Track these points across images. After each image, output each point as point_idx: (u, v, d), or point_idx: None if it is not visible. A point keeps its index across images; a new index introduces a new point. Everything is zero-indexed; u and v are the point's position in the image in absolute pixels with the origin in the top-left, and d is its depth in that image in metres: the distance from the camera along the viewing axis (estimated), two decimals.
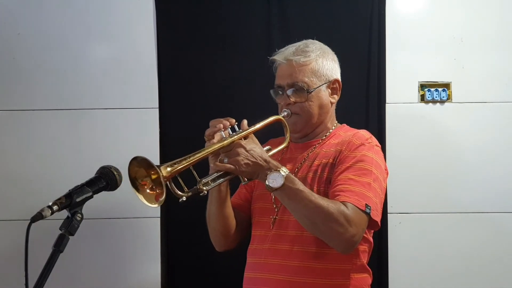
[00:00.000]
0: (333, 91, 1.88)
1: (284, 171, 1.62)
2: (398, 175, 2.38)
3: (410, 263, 2.45)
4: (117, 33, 2.50)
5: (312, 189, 1.70)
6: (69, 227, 1.40)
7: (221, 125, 1.67)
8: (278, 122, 1.81)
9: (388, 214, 2.43)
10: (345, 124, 1.94)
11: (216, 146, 1.63)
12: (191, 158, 1.58)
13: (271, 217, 1.80)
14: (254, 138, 1.70)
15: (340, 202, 1.62)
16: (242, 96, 2.46)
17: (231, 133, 1.68)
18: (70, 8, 2.49)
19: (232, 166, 1.62)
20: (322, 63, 1.84)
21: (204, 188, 1.63)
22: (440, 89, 2.48)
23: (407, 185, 2.45)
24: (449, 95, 2.49)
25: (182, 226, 2.48)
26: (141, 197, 1.55)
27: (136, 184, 1.54)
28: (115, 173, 1.50)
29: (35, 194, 2.40)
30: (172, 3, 2.52)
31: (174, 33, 2.51)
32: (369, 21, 2.50)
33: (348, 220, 1.59)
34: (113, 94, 2.49)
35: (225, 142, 1.64)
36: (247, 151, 1.63)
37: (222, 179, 1.68)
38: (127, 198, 2.37)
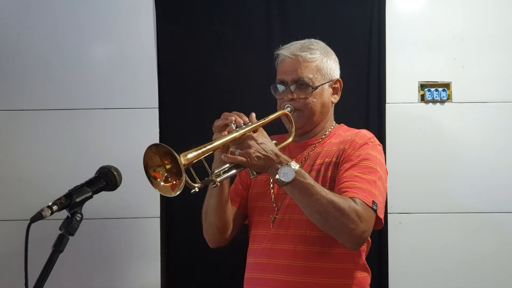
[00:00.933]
0: (334, 91, 1.88)
1: (294, 165, 1.61)
2: (398, 175, 2.38)
3: (410, 263, 2.45)
4: (117, 33, 2.50)
5: None
6: (69, 227, 1.40)
7: (233, 118, 1.66)
8: (278, 119, 1.81)
9: (388, 214, 2.43)
10: (343, 124, 1.94)
11: (228, 138, 1.62)
12: (207, 148, 1.56)
13: (271, 216, 1.80)
14: (264, 131, 1.69)
15: (349, 197, 1.62)
16: (242, 96, 2.46)
17: (240, 126, 1.66)
18: (70, 8, 2.49)
19: (243, 158, 1.61)
20: (327, 62, 1.85)
21: (217, 179, 1.61)
22: (440, 89, 2.48)
23: (407, 185, 2.45)
24: (449, 95, 2.49)
25: (182, 226, 2.49)
26: (155, 187, 1.52)
27: (148, 173, 1.52)
28: (115, 173, 1.51)
29: (35, 194, 2.40)
30: (172, 2, 2.52)
31: (174, 33, 2.51)
32: (369, 21, 2.50)
33: (359, 216, 1.59)
34: (113, 94, 2.49)
35: (237, 134, 1.62)
36: (258, 144, 1.62)
37: (232, 171, 1.66)
38: (127, 198, 2.40)
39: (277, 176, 1.61)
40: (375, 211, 1.64)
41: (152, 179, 1.52)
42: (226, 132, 1.65)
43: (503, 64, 2.49)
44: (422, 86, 2.49)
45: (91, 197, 1.46)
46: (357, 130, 1.85)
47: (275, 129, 1.84)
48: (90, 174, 1.51)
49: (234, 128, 1.65)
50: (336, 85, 1.88)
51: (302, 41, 1.88)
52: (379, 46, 2.49)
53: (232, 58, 2.51)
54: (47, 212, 1.36)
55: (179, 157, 1.46)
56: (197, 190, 1.55)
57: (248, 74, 2.50)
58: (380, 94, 2.49)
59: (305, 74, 1.81)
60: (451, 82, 2.49)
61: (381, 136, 2.41)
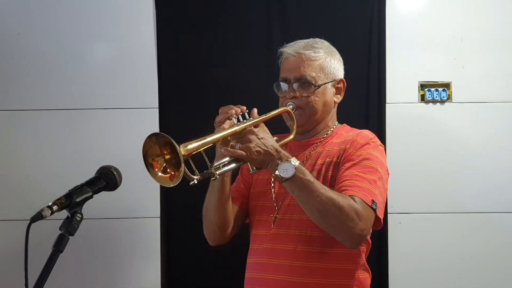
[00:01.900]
0: (338, 91, 1.88)
1: (294, 161, 1.61)
2: (398, 175, 2.38)
3: (410, 263, 2.45)
4: (117, 33, 2.50)
5: None
6: (69, 227, 1.40)
7: (233, 111, 1.66)
8: (279, 118, 1.81)
9: (388, 214, 2.43)
10: (345, 124, 1.94)
11: (229, 131, 1.62)
12: (207, 140, 1.56)
13: (271, 215, 1.79)
14: (265, 127, 1.69)
15: (348, 196, 1.61)
16: (242, 95, 2.45)
17: (241, 120, 1.66)
18: (70, 8, 2.49)
19: (243, 152, 1.60)
20: (330, 61, 1.85)
21: (216, 172, 1.61)
22: (440, 89, 2.48)
23: (407, 185, 2.45)
24: (449, 95, 2.49)
25: (182, 226, 2.49)
26: (153, 176, 1.52)
27: (146, 162, 1.52)
28: (115, 173, 1.50)
29: (35, 194, 2.40)
30: (172, 3, 2.52)
31: (174, 33, 2.51)
32: (369, 21, 2.50)
33: (358, 214, 1.59)
34: (113, 94, 2.49)
35: (238, 128, 1.62)
36: (259, 138, 1.62)
37: (232, 165, 1.66)
38: (127, 198, 2.40)
39: (276, 172, 1.60)
40: (374, 210, 1.64)
41: (149, 167, 1.52)
42: (225, 126, 1.65)
43: (503, 64, 2.49)
44: (422, 86, 2.49)
45: (91, 197, 1.46)
46: (359, 130, 1.85)
47: (277, 130, 1.84)
48: (90, 174, 1.51)
49: (236, 122, 1.65)
50: (339, 85, 1.88)
51: (307, 40, 1.88)
52: (379, 46, 2.49)
53: (232, 58, 2.51)
54: (47, 212, 1.36)
55: (179, 147, 1.46)
56: (195, 182, 1.54)
57: (248, 74, 2.50)
58: (380, 94, 2.49)
59: (308, 72, 1.81)
60: (451, 82, 2.49)
61: (381, 136, 2.41)
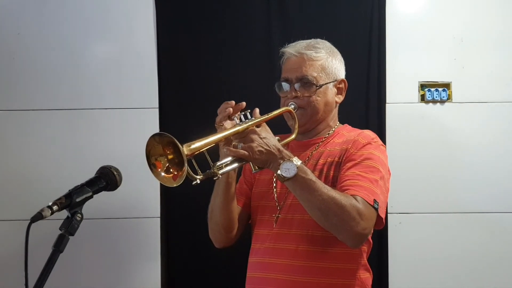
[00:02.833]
0: (339, 91, 1.89)
1: (296, 161, 1.62)
2: (398, 175, 2.37)
3: (410, 263, 2.45)
4: (117, 33, 2.50)
5: None
6: (69, 227, 1.40)
7: (230, 109, 1.67)
8: (280, 118, 1.82)
9: (388, 214, 2.42)
10: (347, 124, 1.94)
11: (231, 131, 1.62)
12: (209, 140, 1.56)
13: (273, 215, 1.80)
14: (267, 127, 1.69)
15: (350, 195, 1.62)
16: (242, 95, 2.42)
17: (243, 120, 1.67)
18: (70, 8, 2.49)
19: (246, 152, 1.61)
20: (332, 62, 1.85)
21: (219, 172, 1.61)
22: (440, 89, 2.48)
23: (407, 185, 2.45)
24: (449, 95, 2.49)
25: (182, 226, 2.49)
26: (156, 175, 1.52)
27: (149, 161, 1.52)
28: (115, 173, 1.50)
29: (35, 194, 2.40)
30: (172, 3, 2.52)
31: (174, 33, 2.51)
32: (369, 21, 2.50)
33: (360, 213, 1.59)
34: (113, 94, 2.49)
35: (240, 128, 1.63)
36: (261, 138, 1.63)
37: (234, 165, 1.66)
38: (127, 198, 2.40)
39: (278, 171, 1.61)
40: (376, 209, 1.64)
41: (152, 167, 1.52)
42: (228, 125, 1.65)
43: (503, 64, 2.49)
44: (422, 86, 2.49)
45: (91, 197, 1.46)
46: (360, 130, 1.85)
47: (279, 129, 1.84)
48: (90, 174, 1.51)
49: (238, 122, 1.65)
50: (340, 85, 1.89)
51: (308, 40, 1.89)
52: (379, 46, 2.49)
53: (232, 58, 2.50)
54: (47, 212, 1.36)
55: (182, 147, 1.46)
56: (198, 182, 1.54)
57: (248, 74, 2.50)
58: (380, 94, 2.49)
59: (309, 72, 1.81)
60: (451, 82, 2.49)
61: (381, 136, 2.41)
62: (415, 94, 2.50)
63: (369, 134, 1.82)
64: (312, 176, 1.62)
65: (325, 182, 1.72)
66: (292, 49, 1.86)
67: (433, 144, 2.48)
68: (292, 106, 1.81)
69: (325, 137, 1.87)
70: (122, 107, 2.48)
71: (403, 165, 2.44)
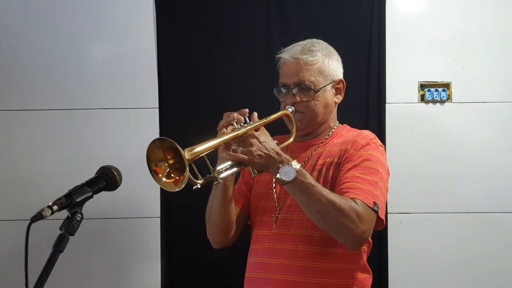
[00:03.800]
0: (337, 91, 1.88)
1: (295, 164, 1.62)
2: (398, 175, 2.37)
3: (410, 263, 2.45)
4: (117, 33, 2.50)
5: None
6: (69, 227, 1.40)
7: (235, 115, 1.67)
8: (280, 120, 1.82)
9: (388, 214, 2.42)
10: (346, 125, 1.94)
11: (230, 135, 1.63)
12: (209, 145, 1.57)
13: (273, 215, 1.80)
14: (265, 131, 1.70)
15: (350, 198, 1.62)
16: (242, 96, 2.46)
17: (242, 124, 1.67)
18: (70, 8, 2.49)
19: (245, 156, 1.61)
20: (328, 63, 1.84)
21: (219, 176, 1.61)
22: (440, 89, 2.48)
23: (407, 185, 2.45)
24: (449, 95, 2.49)
25: (182, 226, 2.49)
26: (157, 181, 1.53)
27: (150, 167, 1.52)
28: (115, 173, 1.50)
29: (35, 194, 2.41)
30: (172, 3, 2.52)
31: (174, 33, 2.51)
32: (369, 21, 2.50)
33: (359, 216, 1.59)
34: (113, 94, 2.49)
35: (239, 132, 1.63)
36: (260, 142, 1.63)
37: (234, 169, 1.66)
38: (127, 198, 2.40)
39: (278, 175, 1.61)
40: (376, 212, 1.64)
41: (153, 173, 1.52)
42: (227, 131, 1.65)
43: (503, 64, 2.49)
44: (422, 86, 2.49)
45: (91, 197, 1.46)
46: (359, 131, 1.85)
47: (279, 131, 1.84)
48: (90, 174, 1.51)
49: (236, 127, 1.65)
50: (339, 86, 1.88)
51: (303, 42, 1.87)
52: (379, 46, 2.49)
53: (232, 58, 2.50)
54: (47, 212, 1.36)
55: (184, 152, 1.47)
56: (199, 187, 1.55)
57: (248, 74, 2.50)
58: (380, 94, 2.49)
59: (306, 77, 1.80)
60: (451, 82, 2.49)
61: (381, 136, 2.41)
62: (415, 94, 2.50)
63: (368, 134, 1.82)
64: (311, 180, 1.62)
65: (324, 182, 1.73)
66: (287, 54, 1.84)
67: (433, 144, 2.48)
68: (290, 110, 1.81)
69: (325, 138, 1.87)
70: (122, 107, 2.48)
71: (403, 165, 2.44)
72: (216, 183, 1.65)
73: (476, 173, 2.47)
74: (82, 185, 1.45)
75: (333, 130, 1.89)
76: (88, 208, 1.47)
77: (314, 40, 1.90)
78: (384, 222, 1.72)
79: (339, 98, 1.89)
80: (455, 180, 2.47)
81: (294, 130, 1.81)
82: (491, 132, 2.48)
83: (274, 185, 1.84)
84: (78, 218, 1.42)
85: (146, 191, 2.43)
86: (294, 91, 1.81)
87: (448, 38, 2.49)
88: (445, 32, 2.50)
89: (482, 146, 2.47)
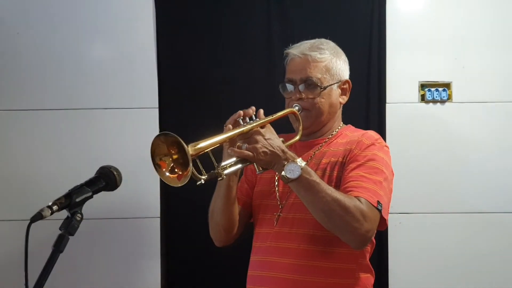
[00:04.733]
0: (343, 92, 1.89)
1: (301, 162, 1.61)
2: (398, 175, 2.34)
3: (411, 263, 2.45)
4: (117, 33, 2.50)
5: None
6: (69, 227, 1.40)
7: (241, 113, 1.67)
8: (286, 118, 1.82)
9: (389, 214, 2.42)
10: (350, 125, 1.94)
11: (236, 132, 1.63)
12: (214, 140, 1.57)
13: (275, 214, 1.80)
14: (271, 128, 1.69)
15: (354, 197, 1.62)
16: (242, 96, 2.46)
17: (248, 121, 1.67)
18: (70, 8, 2.49)
19: (250, 153, 1.61)
20: (336, 62, 1.85)
21: (223, 172, 1.61)
22: (440, 89, 2.48)
23: (407, 185, 2.44)
24: (449, 95, 2.48)
25: (182, 226, 2.49)
26: (161, 175, 1.53)
27: (154, 161, 1.52)
28: (115, 173, 1.50)
29: (35, 194, 2.40)
30: (172, 3, 2.52)
31: (174, 33, 2.51)
32: (369, 20, 2.50)
33: (364, 215, 1.59)
34: (113, 94, 2.49)
35: (244, 128, 1.63)
36: (265, 139, 1.63)
37: (238, 166, 1.66)
38: (127, 198, 2.40)
39: (283, 173, 1.61)
40: (380, 211, 1.64)
41: (157, 167, 1.53)
42: (232, 127, 1.66)
43: (503, 64, 2.49)
44: (423, 86, 2.49)
45: (91, 197, 1.45)
46: (364, 131, 1.85)
47: (283, 129, 1.83)
48: (90, 174, 1.51)
49: (242, 123, 1.66)
50: (344, 86, 1.88)
51: (312, 41, 1.88)
52: (379, 46, 2.49)
53: (232, 58, 2.50)
54: (47, 212, 1.36)
55: (187, 147, 1.47)
56: (203, 182, 1.55)
57: (248, 74, 2.49)
58: (380, 94, 2.49)
59: (313, 73, 1.81)
60: (451, 82, 2.49)
61: (381, 136, 2.41)
62: (415, 94, 2.50)
63: (373, 135, 1.82)
64: (316, 178, 1.62)
65: (329, 182, 1.72)
66: (296, 50, 1.85)
67: (433, 144, 2.48)
68: (297, 108, 1.81)
69: (328, 138, 1.87)
70: (122, 107, 2.48)
71: (403, 165, 2.43)
72: (220, 179, 1.65)
73: (476, 173, 2.46)
74: (81, 185, 1.45)
75: (337, 129, 1.89)
76: (88, 208, 1.46)
77: (323, 39, 1.91)
78: (387, 223, 1.72)
79: (344, 99, 1.89)
80: (455, 180, 2.47)
81: (300, 128, 1.81)
82: (492, 132, 2.48)
83: (276, 183, 1.84)
84: (78, 218, 1.41)
85: (146, 191, 2.43)
86: (301, 87, 1.82)
87: (449, 38, 2.49)
88: (445, 32, 2.50)
89: (482, 146, 2.47)
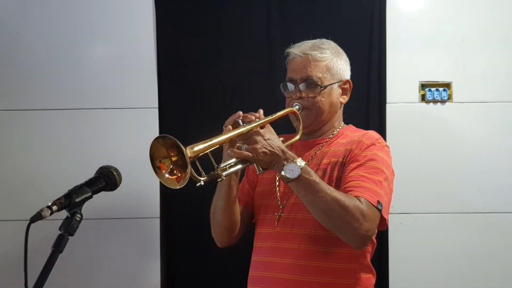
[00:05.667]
0: (344, 92, 1.89)
1: (300, 162, 1.61)
2: (399, 175, 2.33)
3: (411, 263, 2.45)
4: (117, 33, 2.50)
5: None
6: (69, 227, 1.40)
7: (240, 113, 1.68)
8: (286, 118, 1.82)
9: (389, 214, 2.42)
10: (351, 125, 1.94)
11: (235, 133, 1.63)
12: (213, 142, 1.57)
13: (276, 214, 1.80)
14: (271, 128, 1.69)
15: (354, 196, 1.62)
16: (242, 96, 2.46)
17: (248, 122, 1.67)
18: (70, 8, 2.49)
19: (250, 154, 1.61)
20: (337, 62, 1.85)
21: (223, 174, 1.61)
22: (440, 89, 2.48)
23: (407, 185, 2.44)
24: (449, 94, 2.48)
25: (182, 226, 2.48)
26: (160, 178, 1.53)
27: (153, 164, 1.52)
28: (115, 173, 1.50)
29: (35, 194, 2.40)
30: (172, 3, 2.52)
31: (174, 33, 2.51)
32: (369, 20, 2.50)
33: (364, 215, 1.59)
34: (113, 94, 2.49)
35: (244, 129, 1.63)
36: (265, 139, 1.63)
37: (238, 166, 1.66)
38: (127, 198, 2.40)
39: (282, 173, 1.61)
40: (380, 211, 1.64)
41: (156, 169, 1.53)
42: (231, 128, 1.66)
43: (503, 64, 2.48)
44: (423, 86, 2.49)
45: (90, 197, 1.46)
46: (364, 131, 1.85)
47: (283, 129, 1.83)
48: (90, 174, 1.51)
49: (242, 124, 1.65)
50: (345, 86, 1.89)
51: (313, 40, 1.89)
52: (379, 46, 2.49)
53: (232, 58, 2.50)
54: (47, 212, 1.36)
55: (185, 149, 1.47)
56: (202, 184, 1.55)
57: (248, 74, 2.49)
58: (380, 94, 2.49)
59: (314, 73, 1.81)
60: (451, 82, 2.49)
61: (381, 136, 2.40)
62: (416, 94, 2.50)
63: (373, 135, 1.82)
64: (316, 177, 1.62)
65: (329, 182, 1.72)
66: (297, 49, 1.85)
67: (434, 144, 2.48)
68: (297, 107, 1.81)
69: (329, 138, 1.87)
70: (122, 107, 2.48)
71: (403, 165, 2.42)
72: (220, 181, 1.65)
73: (476, 173, 2.46)
74: (81, 185, 1.45)
75: (338, 129, 1.89)
76: (88, 208, 1.47)
77: (324, 39, 1.91)
78: (387, 223, 1.71)
79: (345, 99, 1.90)
80: (456, 180, 2.47)
81: (300, 127, 1.81)
82: (492, 132, 2.47)
83: (277, 183, 1.84)
84: (78, 218, 1.42)
85: (146, 191, 2.43)
86: (301, 86, 1.82)
87: (449, 38, 2.49)
88: (445, 32, 2.50)
89: (482, 146, 2.47)
